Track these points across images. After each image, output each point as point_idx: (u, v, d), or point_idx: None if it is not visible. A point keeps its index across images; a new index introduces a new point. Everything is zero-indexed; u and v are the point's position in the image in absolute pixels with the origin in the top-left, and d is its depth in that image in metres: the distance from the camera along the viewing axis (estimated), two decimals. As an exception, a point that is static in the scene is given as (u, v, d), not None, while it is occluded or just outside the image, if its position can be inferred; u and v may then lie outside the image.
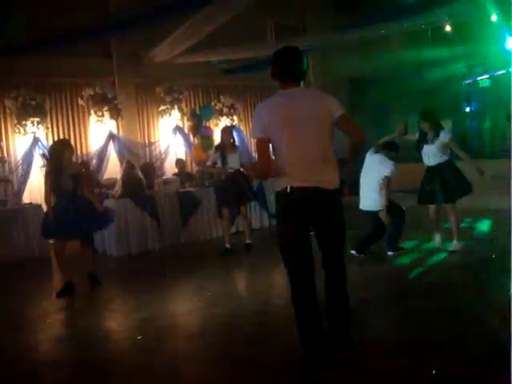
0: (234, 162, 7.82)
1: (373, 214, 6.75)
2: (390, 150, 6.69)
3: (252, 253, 7.91)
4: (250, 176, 8.01)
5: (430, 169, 6.77)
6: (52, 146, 6.69)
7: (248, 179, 8.06)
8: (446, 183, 6.57)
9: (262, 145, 3.50)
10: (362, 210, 6.86)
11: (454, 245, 6.73)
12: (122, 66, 11.07)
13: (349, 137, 3.50)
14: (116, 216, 8.08)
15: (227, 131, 8.11)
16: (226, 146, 7.84)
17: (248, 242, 8.05)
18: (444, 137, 6.56)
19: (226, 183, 7.84)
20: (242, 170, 7.96)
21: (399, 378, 3.28)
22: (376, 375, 3.33)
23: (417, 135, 6.82)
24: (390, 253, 6.79)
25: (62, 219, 6.01)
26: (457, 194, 6.59)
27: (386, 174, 6.56)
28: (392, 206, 6.71)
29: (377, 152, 6.73)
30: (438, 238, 7.04)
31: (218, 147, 7.96)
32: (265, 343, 4.04)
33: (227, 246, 7.86)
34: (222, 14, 8.33)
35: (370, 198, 6.72)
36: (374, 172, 6.64)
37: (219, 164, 7.84)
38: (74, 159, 6.49)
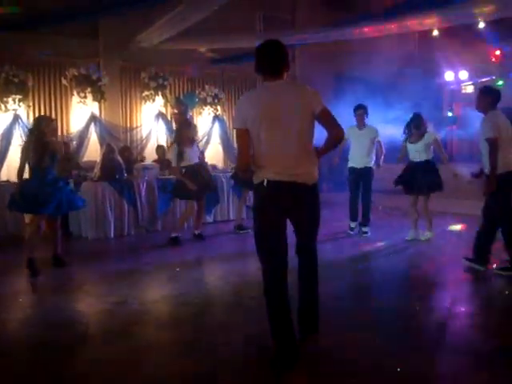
0: (193, 156, 7.71)
1: None
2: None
3: (227, 243, 7.95)
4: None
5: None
6: (37, 120, 6.58)
7: (208, 171, 7.92)
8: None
9: (241, 136, 3.50)
10: None
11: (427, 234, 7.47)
12: (108, 49, 10.98)
13: (327, 131, 3.50)
14: (93, 199, 8.09)
15: (191, 125, 7.96)
16: (187, 141, 7.65)
17: (198, 232, 8.04)
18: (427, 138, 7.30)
19: (189, 176, 7.64)
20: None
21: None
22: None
23: None
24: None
25: (35, 194, 5.97)
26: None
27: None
28: None
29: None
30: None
31: (177, 143, 7.67)
32: (237, 331, 4.08)
33: (173, 235, 7.76)
34: (211, 2, 8.30)
35: None
36: None
37: (174, 161, 7.65)
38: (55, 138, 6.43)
